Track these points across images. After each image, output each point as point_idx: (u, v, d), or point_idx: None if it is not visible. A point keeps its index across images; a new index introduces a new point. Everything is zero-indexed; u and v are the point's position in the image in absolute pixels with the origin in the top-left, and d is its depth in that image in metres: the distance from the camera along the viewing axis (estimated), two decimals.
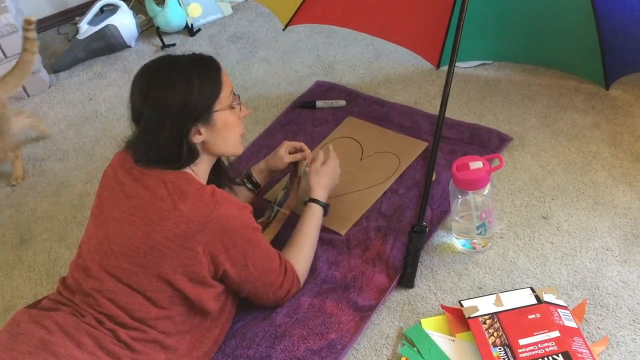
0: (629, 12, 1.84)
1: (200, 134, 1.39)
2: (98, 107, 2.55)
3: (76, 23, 2.98)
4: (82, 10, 3.08)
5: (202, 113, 1.38)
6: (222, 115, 1.42)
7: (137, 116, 1.38)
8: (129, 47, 2.90)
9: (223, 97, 1.41)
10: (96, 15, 2.87)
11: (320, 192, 1.67)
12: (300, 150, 1.76)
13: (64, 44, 3.01)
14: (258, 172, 1.78)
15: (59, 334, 1.25)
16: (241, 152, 1.53)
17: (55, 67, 2.81)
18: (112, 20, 2.82)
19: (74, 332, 1.26)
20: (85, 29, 2.82)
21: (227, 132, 1.44)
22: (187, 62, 1.40)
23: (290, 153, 1.76)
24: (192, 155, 1.41)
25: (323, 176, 1.69)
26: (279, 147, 1.76)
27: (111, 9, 2.90)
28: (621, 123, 1.98)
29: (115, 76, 2.72)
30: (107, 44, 2.83)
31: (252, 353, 1.47)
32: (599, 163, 1.85)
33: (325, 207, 1.67)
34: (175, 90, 1.35)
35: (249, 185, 1.77)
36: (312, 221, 1.63)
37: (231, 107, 1.44)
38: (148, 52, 2.85)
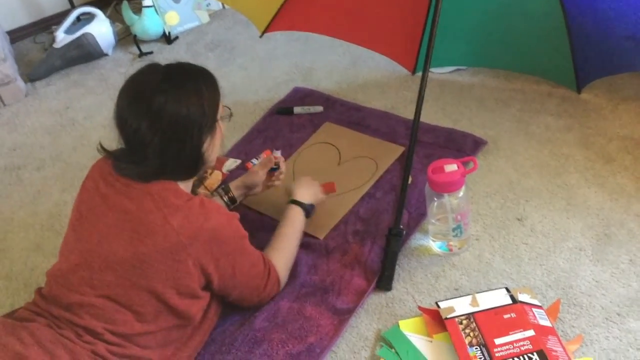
0: (599, 17, 1.88)
1: (206, 143, 1.39)
2: (75, 115, 2.54)
3: (52, 32, 2.97)
4: (58, 19, 3.06)
5: (213, 122, 1.39)
6: (220, 124, 1.44)
7: (137, 133, 1.31)
8: (106, 55, 2.89)
9: (220, 105, 1.43)
10: (73, 23, 2.86)
11: (303, 194, 1.71)
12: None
13: (40, 52, 2.99)
14: (235, 188, 1.80)
15: (34, 347, 1.22)
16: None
17: (32, 76, 2.80)
18: (89, 28, 2.81)
19: (49, 345, 1.23)
20: (62, 37, 2.81)
21: (219, 142, 1.46)
22: (189, 71, 1.39)
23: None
24: (203, 166, 1.42)
25: (304, 184, 1.74)
26: (254, 167, 1.82)
27: (88, 18, 2.89)
28: (593, 126, 2.02)
29: (93, 84, 2.71)
30: (84, 53, 2.82)
31: (231, 358, 1.47)
32: (571, 165, 1.89)
33: (307, 209, 1.69)
34: (192, 101, 1.33)
35: (226, 199, 1.78)
36: (291, 222, 1.65)
37: (221, 117, 1.45)
38: (125, 60, 2.84)
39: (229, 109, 1.50)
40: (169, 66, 1.39)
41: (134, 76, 1.38)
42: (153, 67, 1.38)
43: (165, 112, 1.31)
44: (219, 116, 1.42)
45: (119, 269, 1.31)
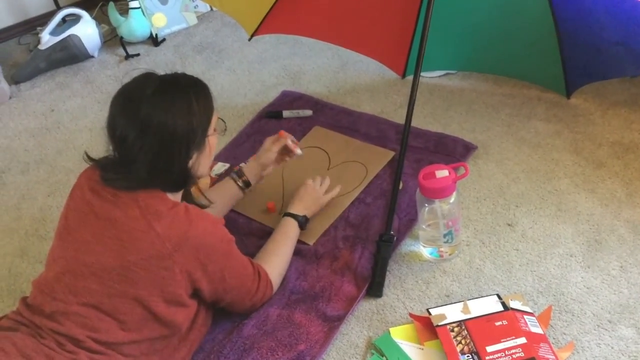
0: (589, 22, 1.88)
1: (193, 158, 1.37)
2: (60, 118, 2.50)
3: (37, 33, 2.93)
4: (43, 20, 3.03)
5: (202, 138, 1.37)
6: (211, 140, 1.42)
7: (125, 142, 1.30)
8: (92, 57, 2.85)
9: (213, 121, 1.41)
10: (58, 25, 2.82)
11: (298, 207, 1.71)
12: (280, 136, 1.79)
13: (25, 54, 2.96)
14: (249, 170, 1.77)
15: (16, 356, 1.20)
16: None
17: (16, 77, 2.76)
18: (75, 30, 2.77)
19: (32, 355, 1.21)
20: (47, 39, 2.77)
21: (209, 157, 1.44)
22: (182, 84, 1.37)
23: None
24: (190, 181, 1.40)
25: (308, 195, 1.74)
26: (264, 143, 1.79)
27: (73, 19, 2.85)
28: (582, 131, 2.02)
29: (78, 87, 2.68)
30: (70, 54, 2.79)
31: None
32: (561, 170, 1.89)
33: (301, 221, 1.68)
34: (180, 115, 1.31)
35: (240, 183, 1.76)
36: (284, 231, 1.65)
37: (214, 130, 1.43)
38: (111, 62, 2.81)
39: (224, 122, 1.48)
40: (163, 77, 1.36)
41: (127, 84, 1.36)
42: (147, 77, 1.36)
43: (151, 123, 1.29)
44: (210, 131, 1.40)
45: (104, 277, 1.29)
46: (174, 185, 1.39)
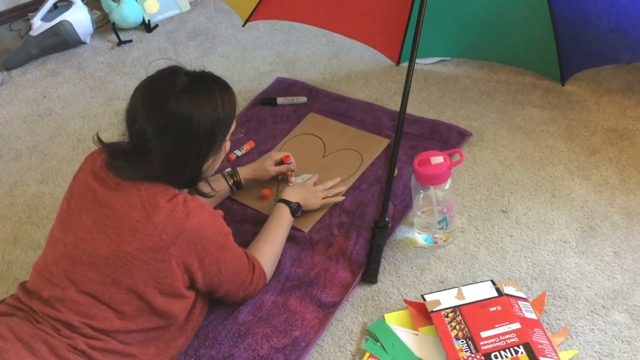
0: (584, 8, 1.88)
1: (209, 162, 1.38)
2: (52, 105, 2.48)
3: (29, 19, 2.90)
4: (35, 5, 3.00)
5: (220, 144, 1.37)
6: (227, 144, 1.42)
7: (142, 136, 1.29)
8: (84, 43, 2.83)
9: (233, 125, 1.41)
10: (50, 11, 2.80)
11: (291, 194, 1.71)
12: (283, 161, 1.84)
13: (16, 40, 2.92)
14: (243, 175, 1.80)
15: (13, 341, 1.21)
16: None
17: (8, 64, 2.73)
18: (67, 16, 2.75)
19: (28, 339, 1.22)
20: (39, 25, 2.74)
21: (219, 161, 1.45)
22: (210, 85, 1.35)
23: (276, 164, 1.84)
24: (198, 182, 1.41)
25: (300, 188, 1.75)
26: (265, 159, 1.83)
27: (65, 5, 2.83)
28: (577, 118, 2.02)
29: (70, 73, 2.66)
30: (61, 41, 2.76)
31: (214, 353, 1.45)
32: (555, 157, 1.89)
33: (294, 207, 1.68)
34: (204, 117, 1.30)
35: (231, 183, 1.78)
36: (277, 219, 1.64)
37: (231, 134, 1.43)
38: (104, 48, 2.79)
39: (242, 130, 1.47)
40: (192, 75, 1.34)
41: (153, 77, 1.34)
42: (175, 72, 1.34)
43: (175, 122, 1.28)
44: (228, 136, 1.40)
45: (102, 266, 1.28)
46: (181, 184, 1.38)
